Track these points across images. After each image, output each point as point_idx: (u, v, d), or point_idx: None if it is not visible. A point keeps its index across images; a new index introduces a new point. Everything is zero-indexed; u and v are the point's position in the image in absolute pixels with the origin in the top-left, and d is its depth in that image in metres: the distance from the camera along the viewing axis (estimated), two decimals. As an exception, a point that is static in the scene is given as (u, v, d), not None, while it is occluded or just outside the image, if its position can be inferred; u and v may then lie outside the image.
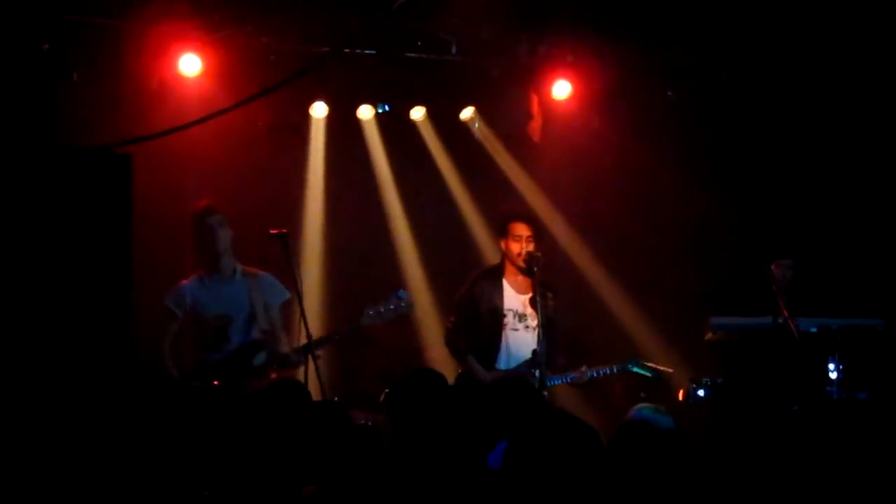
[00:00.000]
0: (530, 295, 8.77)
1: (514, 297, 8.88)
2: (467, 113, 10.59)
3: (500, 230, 8.97)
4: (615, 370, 8.93)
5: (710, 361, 8.98)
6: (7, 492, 4.67)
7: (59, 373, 4.94)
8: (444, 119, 10.68)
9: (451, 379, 6.79)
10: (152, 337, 8.34)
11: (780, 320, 8.28)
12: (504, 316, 8.83)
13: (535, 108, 10.35)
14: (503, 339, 8.82)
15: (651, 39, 9.63)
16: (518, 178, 10.95)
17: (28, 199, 4.95)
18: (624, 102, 10.35)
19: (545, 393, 8.14)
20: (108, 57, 9.09)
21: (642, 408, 6.43)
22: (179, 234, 9.90)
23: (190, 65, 9.27)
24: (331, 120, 10.43)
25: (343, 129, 10.53)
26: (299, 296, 8.13)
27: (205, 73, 9.32)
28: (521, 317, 8.85)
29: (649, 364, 8.99)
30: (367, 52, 9.70)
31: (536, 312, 8.56)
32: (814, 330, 8.42)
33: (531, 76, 10.18)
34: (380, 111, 10.45)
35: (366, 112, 10.42)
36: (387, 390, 8.84)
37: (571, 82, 10.13)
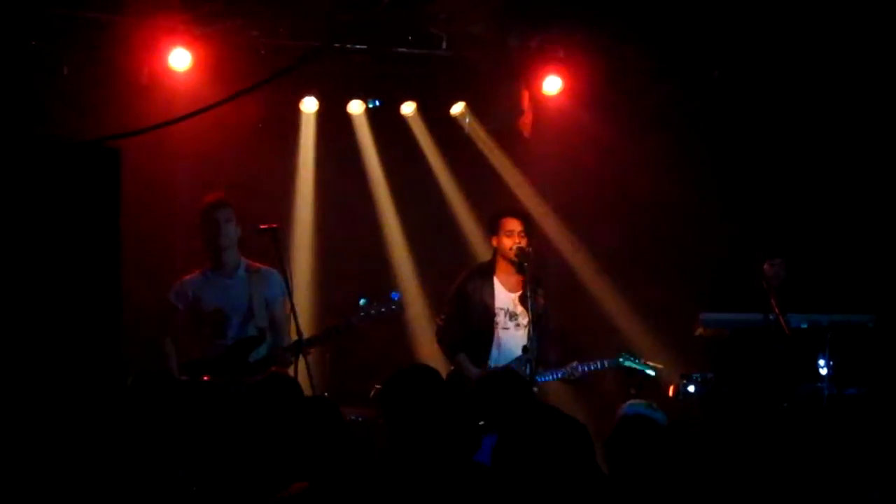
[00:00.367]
0: (521, 292, 8.78)
1: (506, 295, 8.88)
2: (458, 108, 10.58)
3: (492, 227, 8.97)
4: (605, 364, 8.93)
5: (701, 357, 8.98)
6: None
7: (46, 370, 4.92)
8: (434, 114, 10.67)
9: (442, 376, 6.78)
10: (142, 332, 8.32)
11: (771, 316, 8.29)
12: (495, 315, 8.83)
13: (525, 103, 10.33)
14: (494, 337, 8.82)
15: (642, 34, 9.62)
16: (509, 173, 10.95)
17: (16, 193, 4.93)
18: (615, 98, 10.35)
19: (535, 388, 8.14)
20: (98, 51, 9.07)
21: (635, 403, 6.43)
22: (169, 229, 9.90)
23: (180, 59, 9.25)
24: (321, 115, 10.42)
25: (333, 123, 10.51)
26: (289, 291, 8.12)
27: (195, 68, 9.30)
28: (512, 315, 8.86)
29: (640, 359, 9.00)
30: (357, 46, 9.68)
31: (527, 310, 8.56)
32: (804, 326, 8.43)
33: (522, 71, 10.16)
34: (370, 106, 10.43)
35: (356, 107, 10.40)
36: (378, 386, 8.88)
37: (562, 77, 10.11)
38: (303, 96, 10.15)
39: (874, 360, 8.75)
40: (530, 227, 8.95)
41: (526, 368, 8.31)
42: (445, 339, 8.93)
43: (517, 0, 9.27)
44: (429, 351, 9.71)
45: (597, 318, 10.82)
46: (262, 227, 8.23)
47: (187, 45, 9.24)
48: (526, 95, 10.33)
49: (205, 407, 7.47)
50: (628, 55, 9.95)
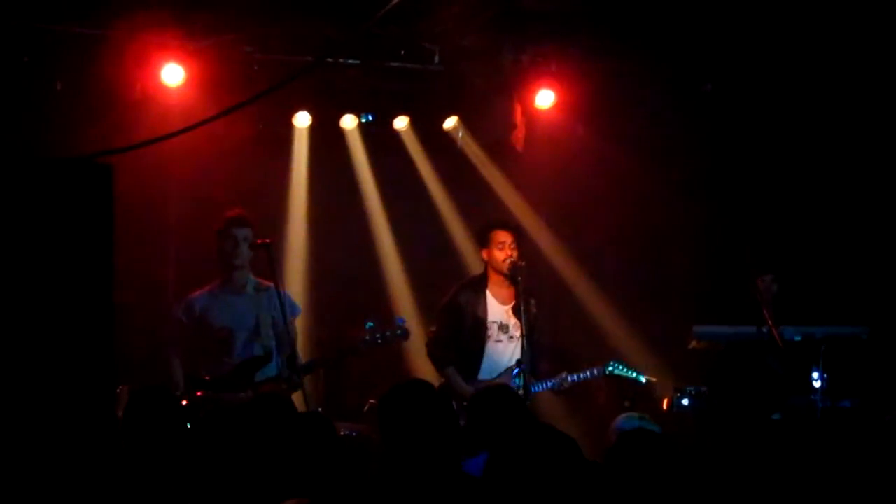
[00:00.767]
0: (513, 304, 8.78)
1: (498, 308, 8.87)
2: (451, 122, 10.59)
3: (482, 240, 8.95)
4: (595, 373, 8.91)
5: (695, 370, 8.98)
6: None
7: (38, 386, 4.91)
8: (427, 128, 10.67)
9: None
10: (135, 347, 8.32)
11: (765, 329, 8.29)
12: (488, 328, 8.83)
13: (518, 117, 10.35)
14: (486, 350, 8.81)
15: (634, 49, 9.63)
16: (502, 187, 10.95)
17: (8, 210, 4.92)
18: (607, 112, 10.36)
19: (528, 402, 8.12)
20: (91, 67, 9.07)
21: (630, 417, 6.42)
22: (162, 245, 9.90)
23: (172, 75, 9.26)
24: (314, 129, 10.42)
25: (326, 138, 10.51)
26: (282, 306, 8.10)
27: (187, 83, 9.30)
28: (504, 328, 8.84)
29: (629, 367, 8.98)
30: (350, 61, 9.69)
31: (519, 322, 8.55)
32: (798, 339, 8.43)
33: (514, 85, 10.18)
34: (363, 121, 10.44)
35: (349, 122, 10.41)
36: (372, 401, 8.87)
37: (555, 91, 10.13)
38: (296, 111, 10.16)
39: (869, 372, 8.75)
40: (521, 239, 8.94)
41: (519, 381, 8.29)
42: (436, 352, 8.92)
43: (509, 14, 9.28)
44: (422, 366, 9.70)
45: (590, 331, 10.82)
46: (256, 241, 8.23)
47: (180, 60, 9.24)
48: (518, 109, 10.35)
49: (201, 423, 7.47)
50: (621, 70, 9.97)
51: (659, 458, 4.86)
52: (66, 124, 8.95)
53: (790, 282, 9.17)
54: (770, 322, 8.27)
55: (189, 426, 7.27)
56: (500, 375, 8.67)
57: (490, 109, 10.42)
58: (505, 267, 8.70)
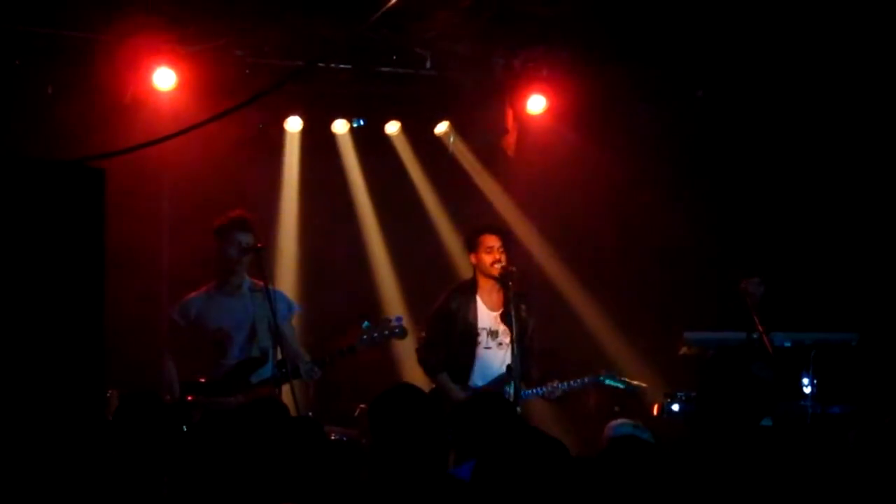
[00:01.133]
0: (502, 310, 8.75)
1: (487, 314, 8.84)
2: (442, 127, 10.60)
3: (471, 244, 8.91)
4: (586, 382, 8.90)
5: (685, 376, 8.98)
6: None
7: (29, 387, 4.90)
8: (419, 133, 10.69)
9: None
10: (128, 349, 8.31)
11: (755, 335, 8.30)
12: (478, 334, 8.80)
13: (510, 122, 10.35)
14: (476, 357, 8.78)
15: (626, 54, 9.65)
16: (493, 192, 10.96)
17: (0, 213, 4.93)
18: (598, 117, 10.38)
19: (518, 408, 8.11)
20: (83, 70, 9.07)
21: (623, 424, 6.43)
22: (153, 248, 9.90)
23: (164, 78, 9.25)
24: (306, 134, 10.43)
25: (318, 143, 10.52)
26: (274, 315, 8.08)
27: (179, 87, 9.30)
28: (494, 334, 8.80)
29: (621, 377, 9.00)
30: (342, 66, 9.70)
31: (509, 328, 8.54)
32: (788, 345, 8.44)
33: (506, 91, 10.18)
34: (355, 125, 10.45)
35: (341, 126, 10.42)
36: (362, 406, 8.86)
37: (546, 97, 10.14)
38: (287, 115, 10.16)
39: (858, 378, 8.77)
40: (509, 244, 8.92)
41: (510, 387, 8.29)
42: (427, 358, 8.88)
43: (501, 20, 9.28)
44: (413, 371, 9.69)
45: (581, 337, 10.82)
46: (250, 245, 8.22)
47: (172, 64, 9.24)
48: (510, 114, 10.36)
49: (195, 427, 7.45)
50: (612, 75, 9.98)
51: (646, 467, 4.87)
52: (58, 128, 8.94)
53: (781, 288, 9.18)
54: (760, 328, 8.28)
55: (183, 429, 7.27)
56: (491, 382, 8.66)
57: (481, 114, 10.42)
58: (495, 271, 8.67)
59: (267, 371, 8.16)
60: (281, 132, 10.33)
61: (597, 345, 10.76)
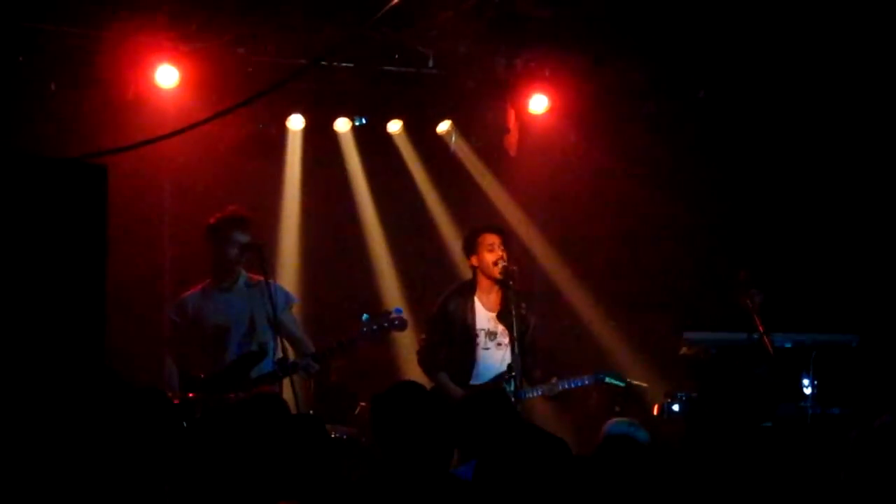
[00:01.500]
0: (500, 310, 8.75)
1: (486, 315, 8.82)
2: (444, 126, 10.59)
3: (470, 246, 8.89)
4: (587, 381, 8.90)
5: (685, 376, 8.99)
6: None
7: (31, 384, 4.91)
8: (420, 132, 10.68)
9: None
10: (130, 346, 8.32)
11: (755, 336, 8.30)
12: (476, 335, 8.79)
13: (511, 121, 10.35)
14: (476, 357, 8.78)
15: (628, 54, 9.65)
16: (494, 191, 10.96)
17: (2, 210, 4.93)
18: (600, 117, 10.37)
19: (518, 407, 8.11)
20: (85, 68, 9.08)
21: (619, 422, 6.43)
22: (155, 245, 9.91)
23: (167, 76, 9.25)
24: (307, 132, 10.43)
25: (320, 141, 10.52)
26: (274, 308, 8.09)
27: (181, 85, 9.30)
28: (492, 335, 8.79)
29: (622, 376, 9.00)
30: (344, 64, 9.70)
31: (507, 328, 8.53)
32: (788, 346, 8.45)
33: (508, 90, 10.18)
34: (357, 124, 10.45)
35: (342, 125, 10.42)
36: (362, 403, 8.86)
37: (548, 96, 10.14)
38: (289, 114, 10.16)
39: (858, 379, 8.77)
40: (509, 242, 8.92)
41: (510, 386, 8.28)
42: (427, 360, 8.89)
43: (504, 19, 9.29)
44: (413, 369, 9.70)
45: (581, 336, 10.83)
46: (249, 243, 8.23)
47: (174, 61, 9.24)
48: (512, 114, 10.36)
49: (193, 424, 7.46)
50: (614, 75, 9.99)
51: (636, 466, 4.88)
52: (60, 125, 8.95)
53: (781, 289, 9.17)
54: (761, 329, 8.28)
55: (185, 426, 7.27)
56: (489, 381, 8.66)
57: (483, 114, 10.42)
58: (497, 270, 8.66)
59: (267, 365, 8.14)
60: (283, 130, 10.33)
61: (597, 345, 10.77)
